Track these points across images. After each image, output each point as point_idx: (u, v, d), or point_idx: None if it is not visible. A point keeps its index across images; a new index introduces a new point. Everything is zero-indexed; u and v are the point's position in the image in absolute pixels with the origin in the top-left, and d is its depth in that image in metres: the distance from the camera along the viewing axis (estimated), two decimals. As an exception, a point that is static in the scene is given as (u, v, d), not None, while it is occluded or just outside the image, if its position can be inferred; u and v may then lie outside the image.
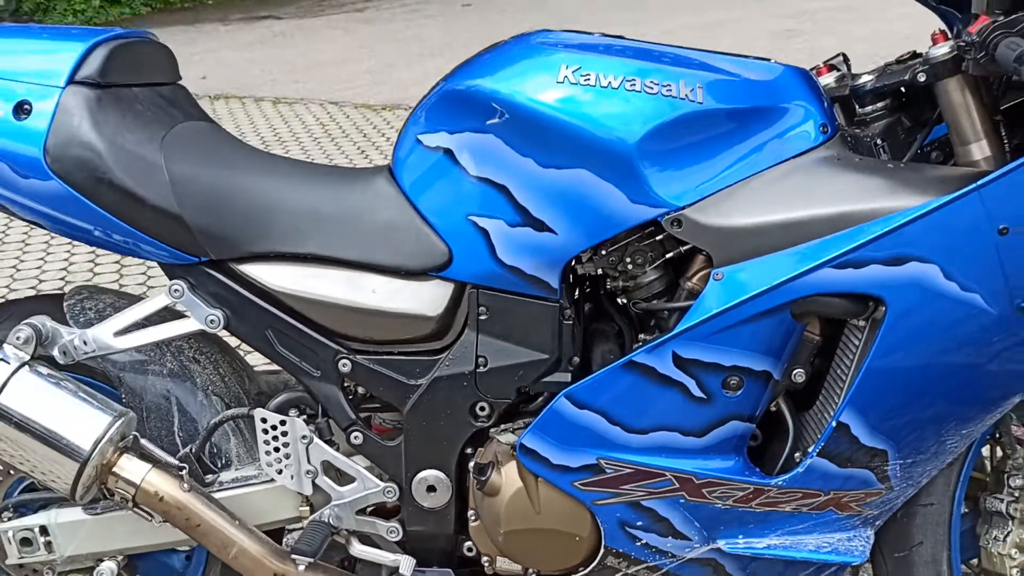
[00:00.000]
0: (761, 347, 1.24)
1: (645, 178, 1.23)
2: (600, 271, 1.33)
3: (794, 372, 1.28)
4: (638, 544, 1.31)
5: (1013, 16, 1.20)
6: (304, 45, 8.62)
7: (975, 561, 1.50)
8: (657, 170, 1.24)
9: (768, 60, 1.34)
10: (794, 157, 1.27)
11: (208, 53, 8.38)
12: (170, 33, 9.72)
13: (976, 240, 1.18)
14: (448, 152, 1.30)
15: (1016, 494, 1.42)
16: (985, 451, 1.52)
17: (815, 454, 1.26)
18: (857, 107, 1.40)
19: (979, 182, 1.16)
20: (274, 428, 1.34)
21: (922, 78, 1.29)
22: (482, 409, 1.33)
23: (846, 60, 1.48)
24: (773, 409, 1.34)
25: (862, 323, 1.24)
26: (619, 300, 1.37)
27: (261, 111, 6.12)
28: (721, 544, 1.31)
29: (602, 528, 1.31)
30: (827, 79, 1.42)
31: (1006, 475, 1.43)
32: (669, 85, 1.24)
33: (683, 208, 1.24)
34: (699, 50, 1.34)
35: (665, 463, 1.27)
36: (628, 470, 1.27)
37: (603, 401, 1.26)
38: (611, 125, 1.23)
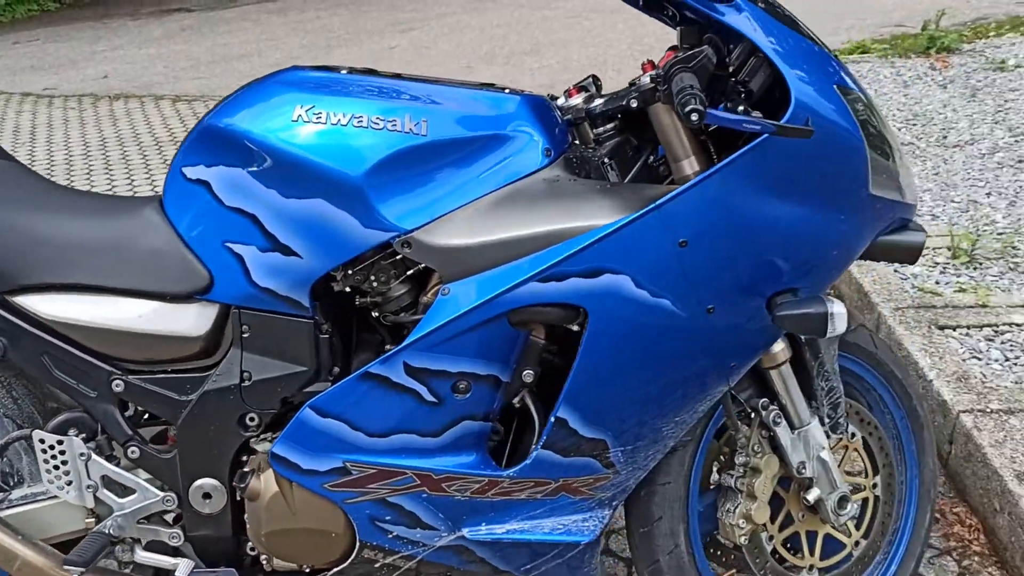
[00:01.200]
0: (484, 354, 1.37)
1: (375, 205, 1.36)
2: (351, 288, 1.45)
3: (524, 373, 1.42)
4: (390, 536, 1.45)
5: (691, 52, 1.35)
6: (212, 39, 8.57)
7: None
8: (386, 197, 1.36)
9: (504, 90, 1.47)
10: (517, 180, 1.40)
11: (112, 50, 8.29)
12: (76, 30, 9.60)
13: (660, 252, 1.32)
14: (206, 184, 1.41)
15: (741, 470, 1.58)
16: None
17: (540, 447, 1.41)
18: (592, 128, 1.54)
19: (658, 201, 1.31)
20: (52, 448, 1.45)
21: (634, 104, 1.43)
22: (251, 419, 1.45)
23: (596, 81, 1.62)
24: (519, 405, 1.48)
25: (577, 328, 1.38)
26: (373, 314, 1.50)
27: (159, 110, 6.11)
28: (465, 532, 1.45)
29: (355, 524, 1.44)
30: (576, 100, 1.55)
31: (734, 453, 1.59)
32: (394, 120, 1.37)
33: (412, 231, 1.36)
34: (437, 83, 1.46)
35: (406, 462, 1.40)
36: (372, 471, 1.40)
37: (345, 409, 1.39)
38: (340, 159, 1.35)
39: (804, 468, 1.58)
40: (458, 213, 1.38)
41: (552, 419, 1.39)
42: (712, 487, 1.67)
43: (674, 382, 1.41)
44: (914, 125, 4.36)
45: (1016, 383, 2.32)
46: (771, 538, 1.64)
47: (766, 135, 1.27)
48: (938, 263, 2.99)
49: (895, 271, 2.96)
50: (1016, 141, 4.00)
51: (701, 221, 1.32)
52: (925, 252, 3.02)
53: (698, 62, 1.33)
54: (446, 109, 1.41)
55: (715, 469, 1.67)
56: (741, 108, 1.29)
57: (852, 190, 1.38)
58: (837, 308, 1.35)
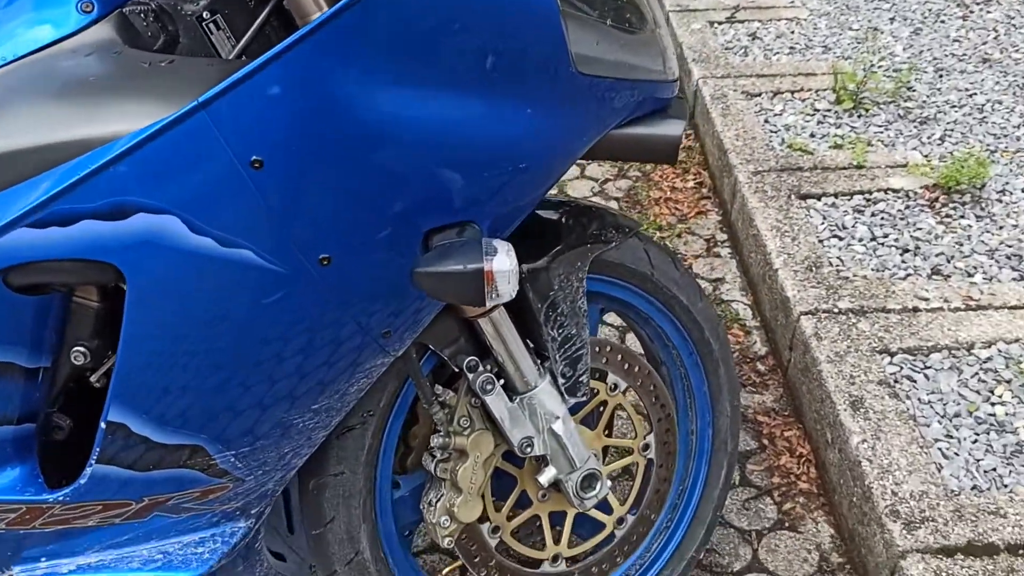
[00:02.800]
0: (-22, 335, 0.89)
1: None
2: None
3: (73, 353, 0.94)
4: (-96, 583, 1.01)
5: None
6: None
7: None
8: None
9: None
10: (24, 56, 0.87)
11: None
12: None
13: (223, 178, 0.82)
14: None
15: (438, 453, 1.15)
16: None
17: (95, 461, 0.95)
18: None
19: (202, 98, 0.79)
20: None
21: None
22: None
23: None
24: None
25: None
26: None
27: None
28: (16, 571, 1.02)
29: None
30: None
31: (431, 433, 1.16)
32: None
33: None
34: None
35: (-101, 491, 0.95)
36: None
37: None
38: None
39: (530, 445, 1.16)
40: (-87, 115, 0.85)
41: (102, 425, 0.92)
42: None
43: (289, 364, 0.94)
44: (825, -68, 3.73)
45: (877, 271, 1.90)
46: (497, 529, 1.23)
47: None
48: (818, 110, 2.50)
49: (765, 121, 2.47)
50: (936, -49, 3.41)
51: (281, 126, 0.81)
52: (804, 96, 2.53)
53: None
54: None
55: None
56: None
57: (541, 68, 0.87)
58: (500, 263, 0.87)
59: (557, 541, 1.28)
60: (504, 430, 1.14)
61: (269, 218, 0.84)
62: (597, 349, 1.23)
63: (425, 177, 0.87)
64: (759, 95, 2.59)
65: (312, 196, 0.85)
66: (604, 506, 1.29)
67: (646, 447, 1.32)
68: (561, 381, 1.15)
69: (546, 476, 1.19)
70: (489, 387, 1.12)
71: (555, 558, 1.28)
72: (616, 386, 1.26)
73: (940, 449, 1.51)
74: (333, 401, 1.01)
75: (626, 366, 1.27)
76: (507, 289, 0.87)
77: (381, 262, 0.91)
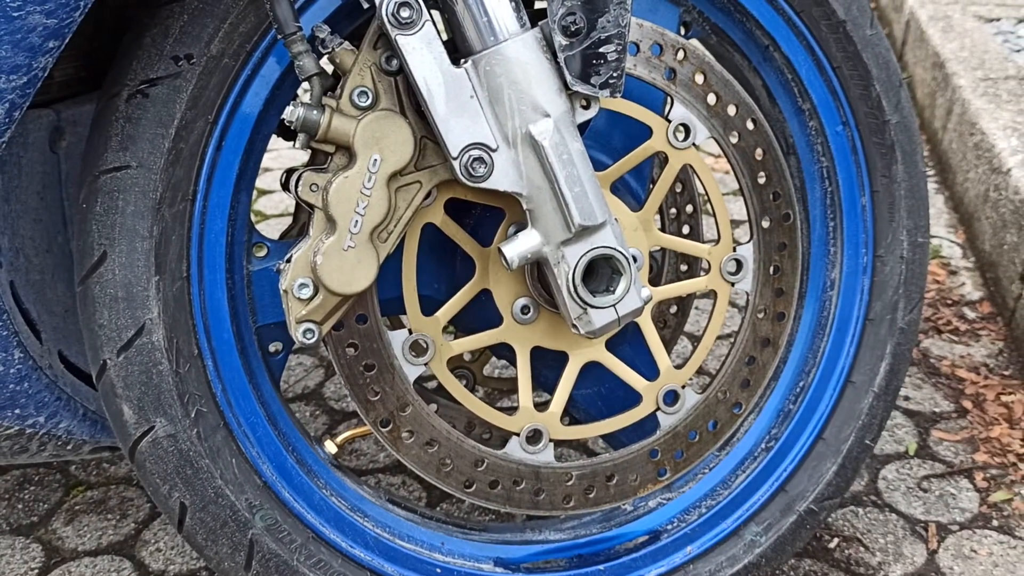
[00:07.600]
0: None
1: None
2: None
3: None
4: None
5: None
6: None
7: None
8: None
9: None
10: None
11: None
12: None
13: None
14: None
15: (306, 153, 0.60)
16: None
17: None
18: None
19: None
20: None
21: None
22: None
23: None
24: None
25: None
26: None
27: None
28: None
29: None
30: None
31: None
32: None
33: None
34: None
35: None
36: None
37: None
38: None
39: (482, 162, 0.59)
40: None
41: None
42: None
43: None
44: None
45: None
46: (421, 349, 0.66)
47: None
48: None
49: (1005, 41, 1.80)
50: None
51: None
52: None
53: None
54: None
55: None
56: None
57: None
58: None
59: (542, 402, 0.69)
60: (433, 118, 0.58)
61: None
62: (659, 45, 0.66)
63: None
64: (997, 20, 1.93)
65: None
66: (640, 357, 0.70)
67: (736, 267, 0.71)
68: (562, 47, 0.58)
69: (518, 245, 0.61)
70: (410, 20, 0.57)
71: (534, 435, 0.69)
72: (688, 131, 0.67)
73: None
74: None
75: (713, 97, 0.68)
76: None
77: None
